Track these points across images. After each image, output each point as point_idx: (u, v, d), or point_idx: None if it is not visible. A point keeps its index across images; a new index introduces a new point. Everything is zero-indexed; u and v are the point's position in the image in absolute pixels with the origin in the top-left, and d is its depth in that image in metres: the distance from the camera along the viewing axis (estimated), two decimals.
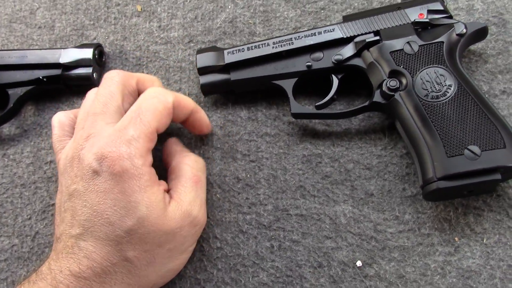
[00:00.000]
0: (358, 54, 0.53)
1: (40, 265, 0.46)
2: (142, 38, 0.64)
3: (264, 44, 0.56)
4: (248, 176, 0.55)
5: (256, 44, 0.56)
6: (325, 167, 0.54)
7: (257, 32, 0.62)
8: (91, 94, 0.51)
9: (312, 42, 0.55)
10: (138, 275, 0.45)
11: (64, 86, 0.62)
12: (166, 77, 0.62)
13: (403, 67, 0.50)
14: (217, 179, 0.56)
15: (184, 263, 0.51)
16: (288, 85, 0.55)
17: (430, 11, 0.53)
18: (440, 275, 0.48)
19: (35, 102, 0.64)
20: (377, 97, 0.51)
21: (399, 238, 0.50)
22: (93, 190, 0.44)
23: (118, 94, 0.49)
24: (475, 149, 0.45)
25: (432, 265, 0.49)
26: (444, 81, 0.49)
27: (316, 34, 0.55)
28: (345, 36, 0.54)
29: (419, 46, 0.51)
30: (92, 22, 0.67)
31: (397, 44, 0.52)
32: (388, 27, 0.53)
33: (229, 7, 0.64)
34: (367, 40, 0.53)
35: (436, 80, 0.49)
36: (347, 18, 0.55)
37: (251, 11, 0.63)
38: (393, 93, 0.50)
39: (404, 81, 0.50)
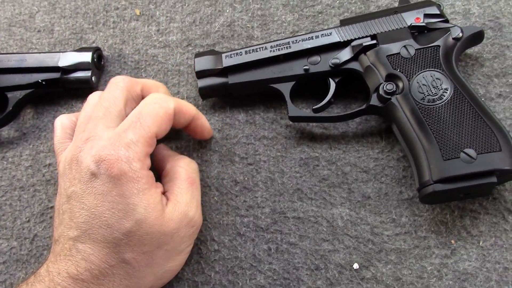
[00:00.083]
0: (355, 57, 0.54)
1: (38, 267, 0.46)
2: (141, 42, 0.65)
3: (262, 47, 0.56)
4: (246, 179, 0.56)
5: (254, 47, 0.56)
6: (323, 170, 0.55)
7: (255, 36, 0.62)
8: (92, 97, 0.51)
9: (309, 46, 0.55)
10: (136, 277, 0.45)
11: (63, 90, 0.62)
12: (164, 81, 0.62)
13: (399, 71, 0.51)
14: (215, 182, 0.56)
15: (182, 264, 0.51)
16: (285, 88, 0.55)
17: (426, 15, 0.53)
18: (436, 277, 0.49)
19: (34, 106, 0.64)
20: (374, 101, 0.52)
21: (395, 240, 0.51)
22: (91, 192, 0.44)
23: (121, 99, 0.49)
24: (471, 152, 0.45)
25: (429, 267, 0.49)
26: (440, 85, 0.49)
27: (314, 38, 0.55)
28: (342, 40, 0.54)
29: (416, 50, 0.51)
30: (91, 26, 0.67)
31: (394, 48, 0.52)
32: (385, 31, 0.53)
33: (227, 11, 0.64)
34: (364, 44, 0.53)
35: (432, 83, 0.49)
36: (344, 22, 0.56)
37: (249, 15, 0.63)
38: (389, 97, 0.50)
39: (400, 84, 0.50)
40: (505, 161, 0.45)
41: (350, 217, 0.52)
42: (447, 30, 0.52)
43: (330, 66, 0.54)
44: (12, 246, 0.57)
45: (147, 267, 0.46)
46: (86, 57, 0.61)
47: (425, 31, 0.53)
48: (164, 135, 0.49)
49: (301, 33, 0.60)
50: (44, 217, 0.58)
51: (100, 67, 0.64)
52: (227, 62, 0.56)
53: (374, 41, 0.53)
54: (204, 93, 0.58)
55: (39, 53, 0.62)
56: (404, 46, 0.52)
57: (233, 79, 0.56)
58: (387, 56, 0.52)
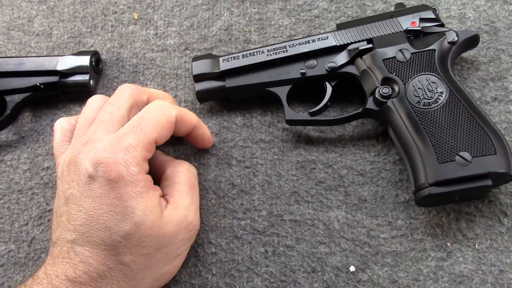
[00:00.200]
0: (351, 61, 0.54)
1: (36, 270, 0.46)
2: (139, 46, 0.65)
3: (259, 51, 0.56)
4: (243, 182, 0.56)
5: (251, 51, 0.57)
6: (319, 173, 0.55)
7: (252, 40, 0.63)
8: (91, 101, 0.52)
9: (306, 50, 0.55)
10: (134, 279, 0.46)
11: (61, 93, 0.62)
12: (162, 84, 0.62)
13: (395, 75, 0.51)
14: (212, 185, 0.56)
15: (179, 267, 0.51)
16: (282, 92, 0.55)
17: (422, 20, 0.54)
18: (432, 280, 0.49)
19: (32, 109, 0.64)
20: (370, 104, 0.52)
21: (392, 243, 0.51)
22: (89, 195, 0.44)
23: (126, 106, 0.49)
24: (466, 155, 0.46)
25: (425, 270, 0.49)
26: (436, 88, 0.49)
27: (310, 42, 0.56)
28: (338, 44, 0.55)
29: (411, 53, 0.52)
30: (89, 30, 0.67)
31: (390, 51, 0.52)
32: (381, 35, 0.54)
33: (225, 15, 0.65)
34: (360, 48, 0.53)
35: (428, 87, 0.50)
36: (340, 26, 0.56)
37: (247, 19, 0.64)
38: (385, 100, 0.51)
39: (396, 88, 0.51)
40: (500, 164, 0.45)
41: (346, 220, 0.52)
42: (442, 34, 0.52)
43: (326, 69, 0.54)
44: (10, 249, 0.57)
45: (145, 269, 0.46)
46: (84, 60, 0.61)
47: (421, 35, 0.53)
48: (164, 142, 0.49)
49: (298, 37, 0.61)
50: (42, 220, 0.58)
51: (98, 71, 0.64)
52: (224, 65, 0.57)
53: (370, 45, 0.53)
54: (202, 96, 0.58)
55: (38, 56, 0.62)
56: (400, 50, 0.52)
57: (230, 82, 0.57)
58: (383, 60, 0.52)
